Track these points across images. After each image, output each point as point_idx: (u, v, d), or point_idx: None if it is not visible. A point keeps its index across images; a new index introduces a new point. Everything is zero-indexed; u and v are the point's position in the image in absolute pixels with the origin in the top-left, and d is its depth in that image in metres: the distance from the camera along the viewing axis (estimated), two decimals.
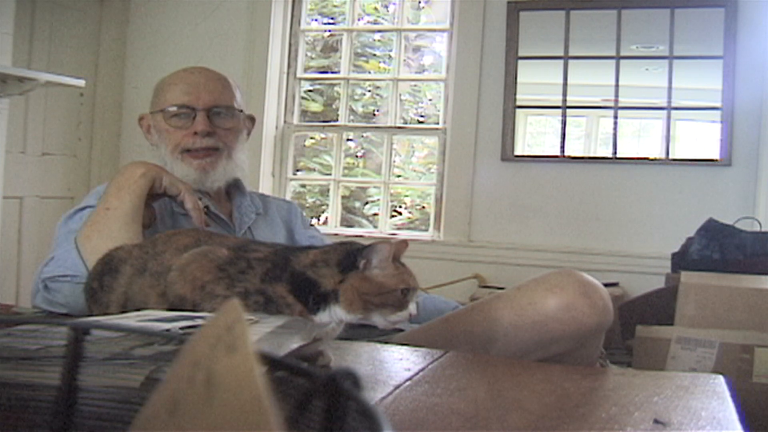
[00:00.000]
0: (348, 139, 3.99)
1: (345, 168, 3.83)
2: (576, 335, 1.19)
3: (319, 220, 3.98)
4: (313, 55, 4.06)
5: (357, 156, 4.38)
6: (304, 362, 0.80)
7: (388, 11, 3.90)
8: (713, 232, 2.60)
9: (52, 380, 0.55)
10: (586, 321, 1.18)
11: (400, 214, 4.34)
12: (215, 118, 1.56)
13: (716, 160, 3.07)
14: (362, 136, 4.13)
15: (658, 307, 2.31)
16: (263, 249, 0.94)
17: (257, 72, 3.56)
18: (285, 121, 3.68)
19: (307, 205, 4.16)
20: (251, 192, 1.72)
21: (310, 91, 4.05)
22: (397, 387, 0.85)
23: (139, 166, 1.36)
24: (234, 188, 1.66)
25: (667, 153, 3.14)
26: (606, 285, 3.21)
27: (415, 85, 4.18)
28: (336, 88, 3.93)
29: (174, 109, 1.55)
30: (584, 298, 1.19)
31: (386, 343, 1.18)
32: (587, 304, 1.19)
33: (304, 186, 4.09)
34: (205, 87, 1.56)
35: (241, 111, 1.63)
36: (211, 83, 1.58)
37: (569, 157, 3.26)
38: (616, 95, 3.20)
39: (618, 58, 3.18)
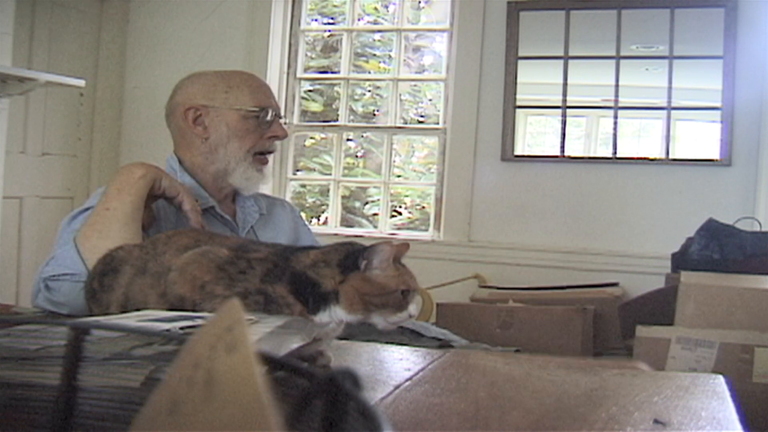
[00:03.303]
0: (348, 139, 3.99)
1: (345, 168, 3.83)
2: None
3: (319, 220, 3.98)
4: (313, 55, 4.06)
5: (357, 156, 4.38)
6: (304, 362, 0.80)
7: (388, 11, 3.90)
8: (713, 232, 2.60)
9: (52, 380, 0.55)
10: None
11: (400, 214, 4.33)
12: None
13: (716, 160, 3.07)
14: (362, 136, 4.13)
15: (658, 307, 2.31)
16: (263, 249, 0.94)
17: (257, 72, 3.52)
18: (285, 122, 3.68)
19: (307, 205, 4.16)
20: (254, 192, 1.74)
21: (310, 91, 4.04)
22: (397, 387, 0.85)
23: (138, 167, 1.36)
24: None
25: (667, 153, 3.14)
26: (606, 285, 3.21)
27: (415, 85, 4.17)
28: (336, 88, 3.93)
29: (262, 112, 1.58)
30: None
31: (387, 343, 1.18)
32: None
33: (304, 186, 4.09)
34: (272, 93, 1.65)
35: None
36: (271, 90, 1.67)
37: (569, 157, 3.26)
38: (616, 95, 3.19)
39: (618, 58, 3.18)
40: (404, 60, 3.72)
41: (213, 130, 1.58)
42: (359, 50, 4.04)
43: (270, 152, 1.62)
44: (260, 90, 1.61)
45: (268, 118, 1.59)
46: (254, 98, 1.58)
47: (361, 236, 3.49)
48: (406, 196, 4.29)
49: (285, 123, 1.72)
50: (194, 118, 1.59)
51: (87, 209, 1.41)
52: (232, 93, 1.59)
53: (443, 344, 1.52)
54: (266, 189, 3.51)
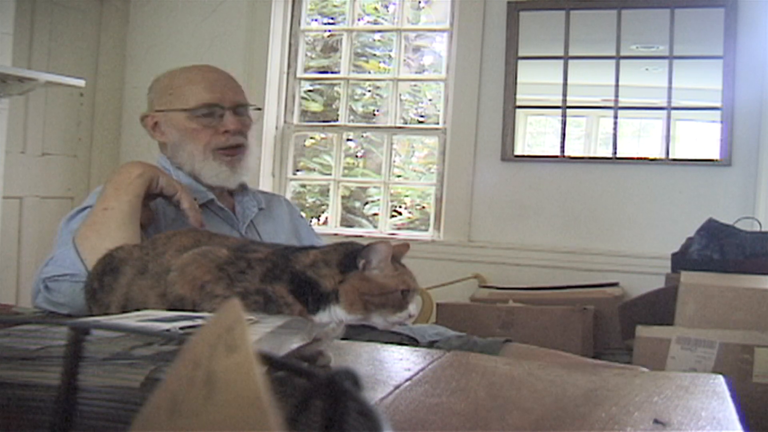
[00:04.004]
0: (348, 139, 3.98)
1: (345, 168, 3.83)
2: None
3: (319, 220, 3.98)
4: (313, 55, 4.06)
5: (357, 156, 4.38)
6: (304, 362, 0.80)
7: (388, 11, 3.90)
8: (713, 232, 2.60)
9: (52, 380, 0.55)
10: None
11: (400, 214, 4.33)
12: (239, 115, 1.58)
13: (716, 160, 3.07)
14: (362, 136, 4.13)
15: (658, 307, 2.31)
16: (263, 249, 0.94)
17: (257, 72, 3.56)
18: (285, 121, 3.68)
19: (307, 205, 4.16)
20: (251, 188, 1.74)
21: (310, 91, 4.04)
22: (397, 387, 0.85)
23: (135, 167, 1.36)
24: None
25: (667, 153, 3.14)
26: (606, 285, 3.20)
27: (415, 85, 4.17)
28: (336, 88, 3.93)
29: (203, 109, 1.54)
30: None
31: (387, 342, 1.18)
32: None
33: (304, 186, 4.09)
34: (227, 85, 1.58)
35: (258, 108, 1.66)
36: (230, 81, 1.60)
37: (569, 157, 3.25)
38: (616, 95, 3.19)
39: (618, 58, 3.18)
40: (404, 60, 3.72)
41: (169, 135, 1.58)
42: (359, 50, 4.04)
43: (230, 147, 1.56)
44: (202, 85, 1.56)
45: (223, 113, 1.55)
46: (197, 96, 1.55)
47: (361, 236, 3.49)
48: (406, 196, 4.29)
49: (256, 108, 1.66)
50: (152, 125, 1.60)
51: (85, 209, 1.41)
52: (175, 94, 1.57)
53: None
54: (267, 188, 3.51)
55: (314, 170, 4.02)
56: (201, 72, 1.59)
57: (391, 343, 1.20)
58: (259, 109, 1.68)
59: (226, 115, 1.55)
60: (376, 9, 3.96)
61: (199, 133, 1.55)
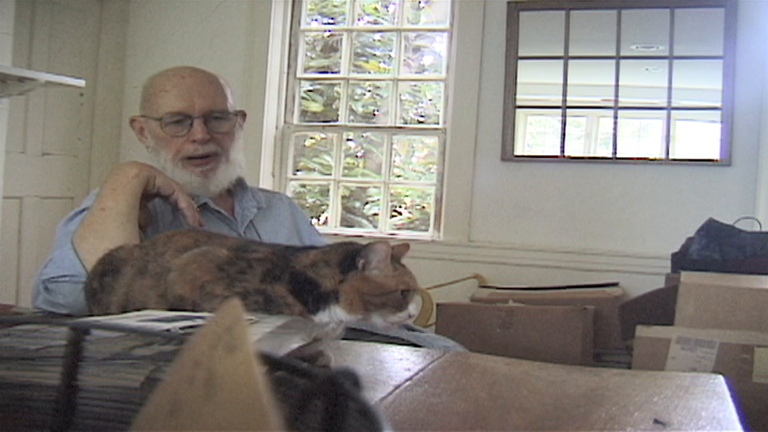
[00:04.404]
0: (348, 139, 3.99)
1: (345, 168, 3.83)
2: None
3: (319, 220, 3.98)
4: (313, 55, 4.06)
5: (357, 156, 4.38)
6: (304, 362, 0.80)
7: (388, 11, 3.90)
8: (713, 232, 2.60)
9: (52, 380, 0.55)
10: None
11: (400, 214, 4.33)
12: (212, 123, 1.55)
13: (716, 160, 3.06)
14: (362, 136, 4.13)
15: (658, 307, 2.31)
16: (263, 249, 0.94)
17: (257, 72, 3.56)
18: (285, 121, 3.68)
19: (307, 205, 4.16)
20: (252, 187, 1.73)
21: (310, 91, 4.04)
22: (397, 387, 0.85)
23: (132, 166, 1.36)
24: (235, 184, 1.66)
25: (667, 153, 3.14)
26: (606, 285, 3.19)
27: (415, 85, 4.17)
28: (336, 88, 3.93)
29: (171, 117, 1.52)
30: None
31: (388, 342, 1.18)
32: None
33: (304, 186, 4.09)
34: (199, 92, 1.54)
35: (236, 113, 1.62)
36: (204, 87, 1.55)
37: (569, 157, 3.25)
38: (616, 95, 3.19)
39: (618, 58, 3.18)
40: (404, 60, 3.72)
41: (149, 140, 1.58)
42: (359, 50, 4.04)
43: (200, 156, 1.53)
44: (173, 93, 1.53)
45: (192, 121, 1.52)
46: (168, 104, 1.52)
47: (361, 236, 3.49)
48: (406, 196, 4.29)
49: (235, 113, 1.62)
50: (139, 129, 1.60)
51: (83, 210, 1.41)
52: (150, 101, 1.56)
53: None
54: (267, 188, 3.51)
55: (314, 170, 4.02)
56: (175, 78, 1.55)
57: (393, 342, 1.20)
58: (237, 114, 1.63)
59: (194, 123, 1.52)
60: (376, 9, 3.96)
61: (169, 142, 1.53)
